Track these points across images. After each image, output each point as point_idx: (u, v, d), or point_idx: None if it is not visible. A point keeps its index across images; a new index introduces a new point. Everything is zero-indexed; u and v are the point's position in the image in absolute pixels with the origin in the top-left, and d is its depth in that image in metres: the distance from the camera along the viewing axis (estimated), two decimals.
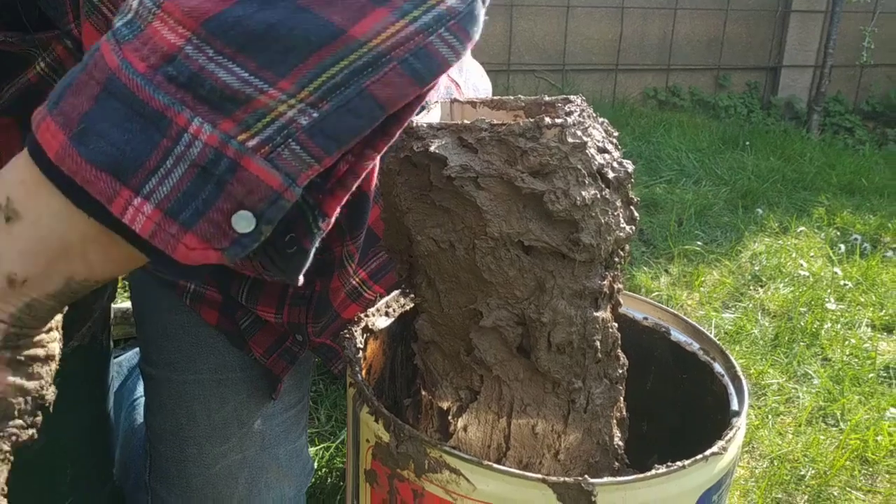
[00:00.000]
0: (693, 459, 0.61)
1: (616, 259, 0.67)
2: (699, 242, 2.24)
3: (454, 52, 0.46)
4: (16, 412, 0.50)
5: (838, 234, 2.43)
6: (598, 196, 0.62)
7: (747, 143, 3.19)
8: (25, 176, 0.44)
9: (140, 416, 1.20)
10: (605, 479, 0.58)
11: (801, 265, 2.16)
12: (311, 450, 1.29)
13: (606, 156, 0.63)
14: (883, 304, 1.97)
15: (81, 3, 0.60)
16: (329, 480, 1.27)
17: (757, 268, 2.14)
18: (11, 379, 0.49)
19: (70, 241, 0.46)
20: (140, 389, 1.24)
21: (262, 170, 0.43)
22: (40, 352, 0.52)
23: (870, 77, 4.25)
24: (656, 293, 1.95)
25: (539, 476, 0.58)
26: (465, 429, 0.70)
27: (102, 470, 1.01)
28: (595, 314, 0.66)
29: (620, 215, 0.65)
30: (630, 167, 0.65)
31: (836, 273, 2.11)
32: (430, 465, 0.60)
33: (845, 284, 2.05)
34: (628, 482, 0.59)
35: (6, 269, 0.46)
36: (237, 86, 0.42)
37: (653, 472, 0.59)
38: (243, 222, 0.43)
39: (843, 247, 2.28)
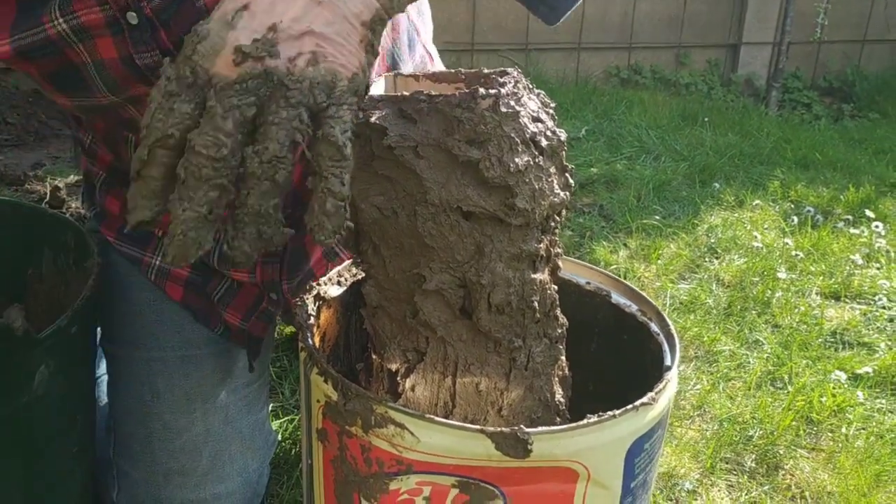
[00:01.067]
0: (624, 409, 0.65)
1: (552, 224, 0.71)
2: (657, 217, 2.29)
3: None
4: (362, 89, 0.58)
5: (792, 206, 2.50)
6: (532, 163, 0.65)
7: (706, 119, 3.25)
8: None
9: (103, 394, 1.22)
10: (540, 429, 0.62)
11: (756, 237, 2.22)
12: (275, 423, 1.32)
13: (540, 125, 0.67)
14: (832, 273, 2.04)
15: None
16: (293, 451, 1.30)
17: (713, 240, 2.19)
18: (365, 58, 0.57)
19: None
20: (102, 368, 1.25)
21: None
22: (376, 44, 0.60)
23: (827, 54, 4.33)
24: (614, 266, 2.00)
25: (477, 427, 0.61)
26: (412, 389, 0.74)
27: (93, 427, 1.03)
28: (533, 276, 0.70)
29: (555, 181, 0.68)
30: (563, 135, 0.69)
31: (787, 244, 2.18)
32: (376, 420, 0.64)
33: (797, 255, 2.11)
34: (562, 430, 0.63)
35: None
36: None
37: (585, 420, 0.63)
38: None
39: (795, 219, 2.34)
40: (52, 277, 1.08)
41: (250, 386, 1.08)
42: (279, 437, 1.27)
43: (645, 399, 0.67)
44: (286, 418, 1.36)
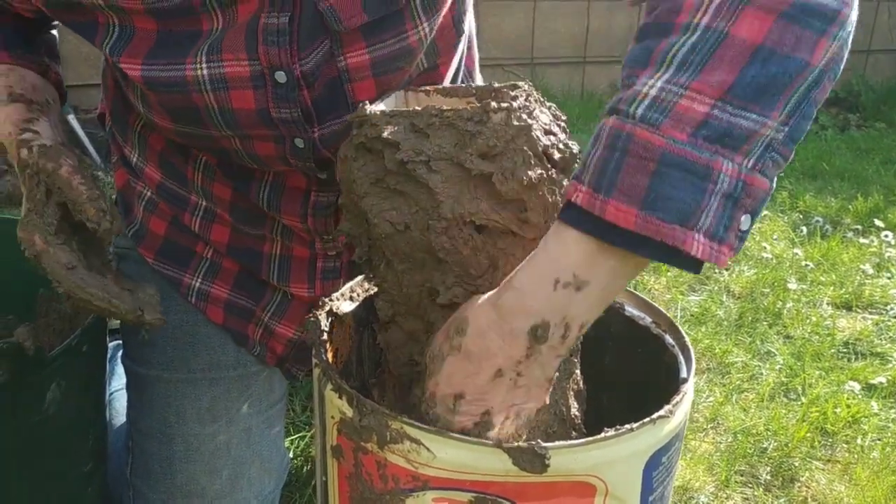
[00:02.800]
0: (641, 422, 0.64)
1: None
2: None
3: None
4: None
5: (801, 216, 2.49)
6: (545, 176, 0.65)
7: None
8: (583, 253, 0.58)
9: (116, 412, 1.21)
10: (558, 443, 0.61)
11: (765, 248, 2.21)
12: (287, 440, 1.32)
13: (552, 137, 0.67)
14: (843, 283, 2.03)
15: None
16: (305, 469, 1.29)
17: None
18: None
19: (621, 285, 0.61)
20: (114, 384, 1.25)
21: (759, 180, 0.55)
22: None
23: None
24: None
25: (494, 442, 0.61)
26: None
27: (105, 445, 1.03)
28: None
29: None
30: (576, 148, 0.68)
31: (797, 254, 2.17)
32: (391, 436, 0.63)
33: (806, 265, 2.11)
34: (580, 445, 0.62)
35: (582, 321, 0.61)
36: (750, 127, 0.55)
37: (602, 434, 0.63)
38: (746, 222, 0.56)
39: (804, 229, 2.34)
40: (63, 296, 1.08)
41: (273, 407, 1.08)
42: (291, 455, 1.27)
43: (662, 412, 0.66)
44: (297, 435, 1.35)
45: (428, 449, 0.62)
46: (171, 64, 0.76)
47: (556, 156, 0.66)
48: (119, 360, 1.25)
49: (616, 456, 0.63)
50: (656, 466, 0.67)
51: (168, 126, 0.85)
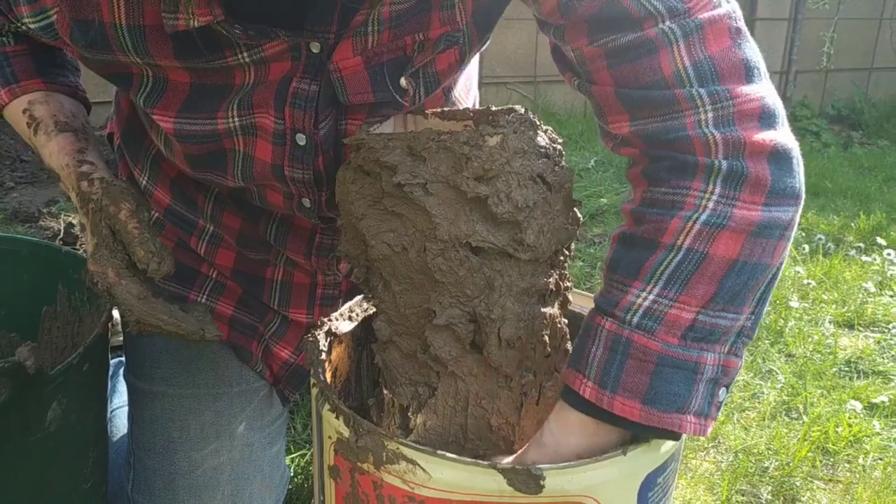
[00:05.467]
0: (636, 444, 0.65)
1: (561, 258, 0.71)
2: None
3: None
4: None
5: (803, 234, 2.49)
6: (540, 198, 0.66)
7: None
8: (589, 435, 0.66)
9: (117, 427, 1.22)
10: (553, 465, 0.62)
11: None
12: (288, 458, 1.32)
13: (547, 160, 0.67)
14: (845, 301, 2.03)
15: (354, 24, 0.73)
16: (306, 486, 1.29)
17: None
18: None
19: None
20: (116, 401, 1.26)
21: (733, 361, 0.65)
22: None
23: (835, 82, 4.35)
24: None
25: (490, 463, 0.61)
26: (424, 424, 0.74)
27: (106, 462, 1.03)
28: (542, 310, 0.70)
29: (562, 216, 0.69)
30: (570, 171, 0.69)
31: (799, 272, 2.17)
32: (387, 456, 0.64)
33: (809, 283, 2.11)
34: (574, 466, 0.62)
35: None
36: (728, 324, 0.64)
37: (597, 456, 0.63)
38: (723, 394, 0.66)
39: (807, 247, 2.34)
40: (66, 314, 1.09)
41: (274, 423, 1.09)
42: (292, 473, 1.27)
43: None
44: (298, 453, 1.35)
45: (424, 469, 0.63)
46: (203, 118, 0.79)
47: (551, 178, 0.67)
48: (121, 377, 1.25)
49: (610, 477, 0.64)
50: (651, 487, 0.67)
51: (185, 170, 0.87)
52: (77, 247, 2.00)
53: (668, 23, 0.65)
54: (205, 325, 0.85)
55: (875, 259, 2.29)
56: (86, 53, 0.75)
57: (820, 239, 2.40)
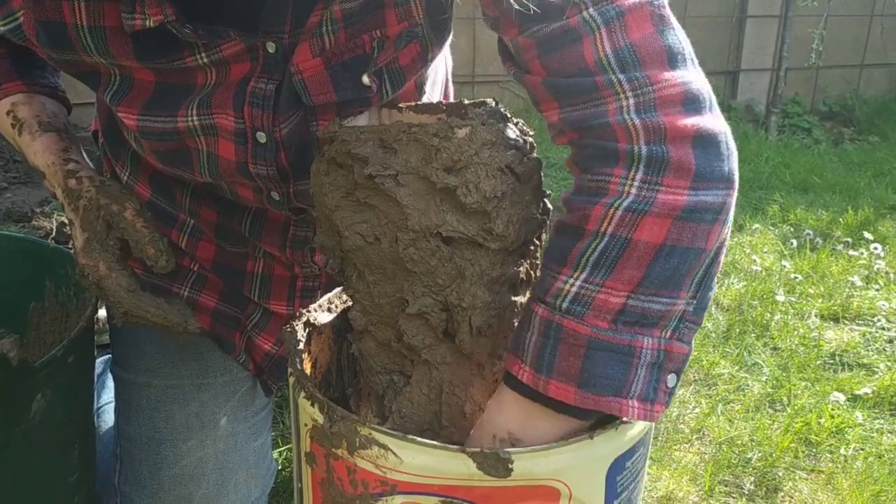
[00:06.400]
0: (603, 428, 0.66)
1: (531, 247, 0.73)
2: None
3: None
4: None
5: (791, 230, 2.51)
6: (508, 189, 0.68)
7: None
8: (523, 416, 0.67)
9: (105, 422, 1.23)
10: (520, 448, 0.63)
11: (755, 261, 2.23)
12: (276, 451, 1.33)
13: (516, 152, 0.69)
14: (831, 295, 2.04)
15: (309, 26, 0.74)
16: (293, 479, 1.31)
17: None
18: None
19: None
20: (104, 397, 1.27)
21: (677, 346, 0.65)
22: None
23: (826, 78, 4.36)
24: None
25: (459, 447, 0.63)
26: (400, 412, 0.75)
27: (93, 455, 1.05)
28: (513, 299, 0.71)
29: (531, 206, 0.70)
30: (539, 162, 0.71)
31: (785, 267, 2.19)
32: (360, 442, 0.65)
33: (795, 277, 2.12)
34: (542, 449, 0.64)
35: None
36: (662, 309, 0.64)
37: (565, 440, 0.64)
38: (672, 380, 0.66)
39: (794, 242, 2.35)
40: (54, 309, 1.11)
41: (258, 414, 1.10)
42: (279, 466, 1.28)
43: (624, 418, 0.68)
44: (286, 447, 1.37)
45: (395, 454, 0.64)
46: (164, 116, 0.81)
47: (519, 169, 0.68)
48: (109, 374, 1.27)
49: (578, 461, 0.65)
50: (620, 471, 0.69)
51: (157, 166, 0.89)
52: (69, 245, 2.02)
53: (590, 10, 0.65)
54: (187, 318, 0.88)
55: (862, 253, 2.31)
56: (52, 54, 0.78)
57: (808, 234, 2.42)
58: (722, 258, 0.68)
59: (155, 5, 0.70)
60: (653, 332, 0.64)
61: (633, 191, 0.64)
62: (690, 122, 0.64)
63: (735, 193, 0.67)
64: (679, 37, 0.68)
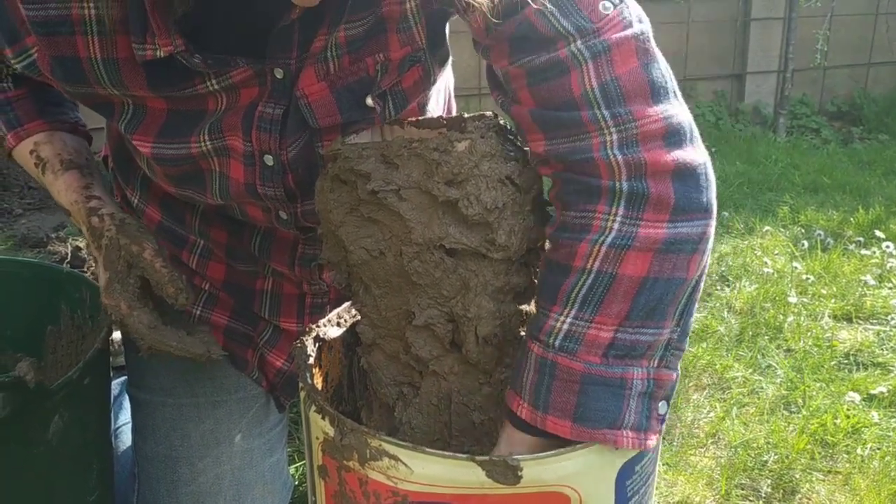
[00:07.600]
0: None
1: (534, 257, 0.73)
2: None
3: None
4: None
5: (802, 231, 2.50)
6: (509, 199, 0.69)
7: (714, 149, 3.27)
8: (528, 449, 0.68)
9: (123, 443, 1.25)
10: (529, 455, 0.64)
11: (766, 263, 2.23)
12: (292, 467, 1.34)
13: (516, 163, 0.70)
14: (844, 295, 2.04)
15: (314, 51, 0.76)
16: None
17: (723, 268, 2.20)
18: None
19: None
20: (121, 419, 1.29)
21: (665, 374, 0.68)
22: None
23: (833, 78, 4.35)
24: None
25: (467, 455, 0.63)
26: (410, 423, 0.76)
27: (111, 476, 1.06)
28: (518, 307, 0.72)
29: (533, 216, 0.71)
30: (538, 172, 0.72)
31: (797, 268, 2.18)
32: (371, 454, 0.66)
33: (807, 278, 2.12)
34: (551, 456, 0.64)
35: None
36: (650, 339, 0.66)
37: (573, 445, 0.65)
38: (663, 407, 0.68)
39: (806, 243, 2.35)
40: (69, 332, 1.12)
41: (273, 430, 1.11)
42: (296, 482, 1.29)
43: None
44: (302, 462, 1.38)
45: (405, 465, 0.65)
46: (178, 142, 0.83)
47: (519, 180, 0.69)
48: (126, 394, 1.28)
49: (587, 466, 0.66)
50: (629, 475, 0.69)
51: (169, 189, 0.92)
52: (84, 269, 2.04)
53: (578, 43, 0.67)
54: (210, 346, 0.91)
55: (874, 252, 2.30)
56: (67, 87, 0.80)
57: (819, 234, 2.41)
58: (702, 285, 0.71)
59: (165, 36, 0.72)
60: (641, 363, 0.67)
61: (616, 226, 0.66)
62: (671, 156, 0.66)
63: (713, 223, 0.69)
64: (662, 69, 0.69)
